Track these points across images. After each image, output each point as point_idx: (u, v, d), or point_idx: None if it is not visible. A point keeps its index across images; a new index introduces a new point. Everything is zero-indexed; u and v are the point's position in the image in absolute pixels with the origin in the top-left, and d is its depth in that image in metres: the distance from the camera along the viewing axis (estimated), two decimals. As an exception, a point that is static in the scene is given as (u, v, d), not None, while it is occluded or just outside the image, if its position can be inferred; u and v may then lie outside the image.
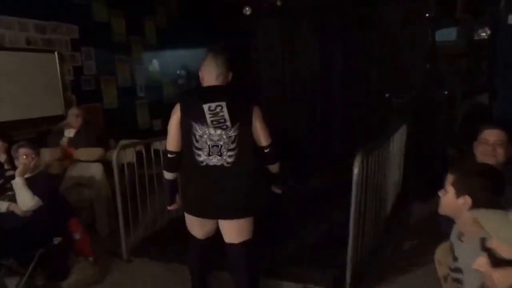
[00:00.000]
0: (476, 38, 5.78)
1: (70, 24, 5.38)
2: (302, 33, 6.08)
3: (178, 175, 2.56)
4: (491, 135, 2.22)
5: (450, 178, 1.69)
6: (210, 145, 2.35)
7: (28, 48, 4.63)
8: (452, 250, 1.75)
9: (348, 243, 2.75)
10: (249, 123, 2.37)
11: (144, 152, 3.72)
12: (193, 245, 2.62)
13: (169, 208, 2.67)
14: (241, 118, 2.35)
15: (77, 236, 3.05)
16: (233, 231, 2.47)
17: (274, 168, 2.58)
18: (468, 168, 1.72)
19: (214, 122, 2.30)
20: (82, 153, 4.15)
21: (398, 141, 4.20)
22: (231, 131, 2.33)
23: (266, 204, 2.85)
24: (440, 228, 2.25)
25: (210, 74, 2.41)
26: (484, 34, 5.65)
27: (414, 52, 5.51)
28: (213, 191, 2.40)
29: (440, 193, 1.71)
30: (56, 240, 2.87)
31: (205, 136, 2.35)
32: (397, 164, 4.37)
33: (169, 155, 2.48)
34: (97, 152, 4.13)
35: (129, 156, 3.71)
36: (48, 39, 5.00)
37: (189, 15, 7.54)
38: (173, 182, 2.57)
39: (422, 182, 5.02)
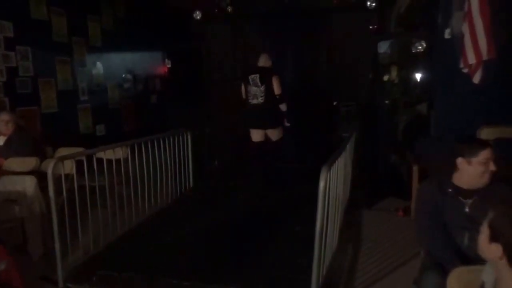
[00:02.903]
0: (413, 50, 5.74)
1: (3, 20, 4.62)
2: (252, 39, 5.73)
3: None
4: (492, 154, 1.92)
5: (489, 215, 1.32)
6: (252, 94, 4.61)
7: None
8: None
9: (314, 259, 2.38)
10: (270, 83, 4.53)
11: (85, 162, 3.09)
12: (251, 146, 4.87)
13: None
14: (266, 81, 4.54)
15: (2, 266, 2.37)
16: (273, 134, 4.76)
17: (282, 107, 4.67)
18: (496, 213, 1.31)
19: (252, 83, 4.60)
20: (13, 163, 3.45)
21: (349, 150, 3.94)
22: (261, 87, 4.56)
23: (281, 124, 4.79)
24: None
25: (259, 61, 4.71)
26: (420, 47, 5.60)
27: (360, 62, 5.32)
28: (255, 115, 4.67)
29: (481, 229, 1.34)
30: (-26, 274, 2.19)
31: (250, 90, 4.62)
32: (349, 172, 4.10)
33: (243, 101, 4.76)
34: (30, 162, 3.44)
35: (68, 167, 3.08)
36: (-24, 36, 4.28)
37: (137, 17, 6.91)
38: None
39: (368, 188, 4.86)
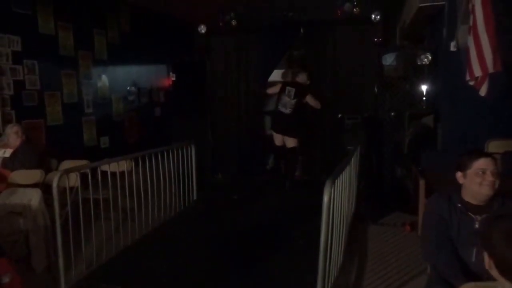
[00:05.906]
0: (418, 63, 5.75)
1: (11, 35, 4.71)
2: (256, 53, 5.77)
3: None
4: (489, 164, 1.91)
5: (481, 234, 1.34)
6: (283, 103, 5.09)
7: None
8: None
9: (318, 274, 2.35)
10: (301, 100, 5.06)
11: (90, 175, 3.11)
12: (274, 149, 5.44)
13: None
14: (299, 96, 5.05)
15: (5, 279, 2.37)
16: (289, 142, 5.17)
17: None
18: (492, 223, 1.32)
19: (287, 94, 5.08)
20: (18, 176, 3.49)
21: (354, 163, 3.93)
22: (292, 100, 5.05)
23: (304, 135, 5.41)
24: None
25: (298, 77, 5.25)
26: (426, 59, 5.61)
27: (364, 74, 5.34)
28: (279, 121, 5.20)
29: None
30: (-24, 289, 2.20)
31: (282, 99, 5.11)
32: (354, 185, 4.08)
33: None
34: (35, 175, 3.47)
35: (73, 179, 3.10)
36: (-15, 50, 4.36)
37: (142, 31, 7.02)
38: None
39: (373, 202, 4.82)
